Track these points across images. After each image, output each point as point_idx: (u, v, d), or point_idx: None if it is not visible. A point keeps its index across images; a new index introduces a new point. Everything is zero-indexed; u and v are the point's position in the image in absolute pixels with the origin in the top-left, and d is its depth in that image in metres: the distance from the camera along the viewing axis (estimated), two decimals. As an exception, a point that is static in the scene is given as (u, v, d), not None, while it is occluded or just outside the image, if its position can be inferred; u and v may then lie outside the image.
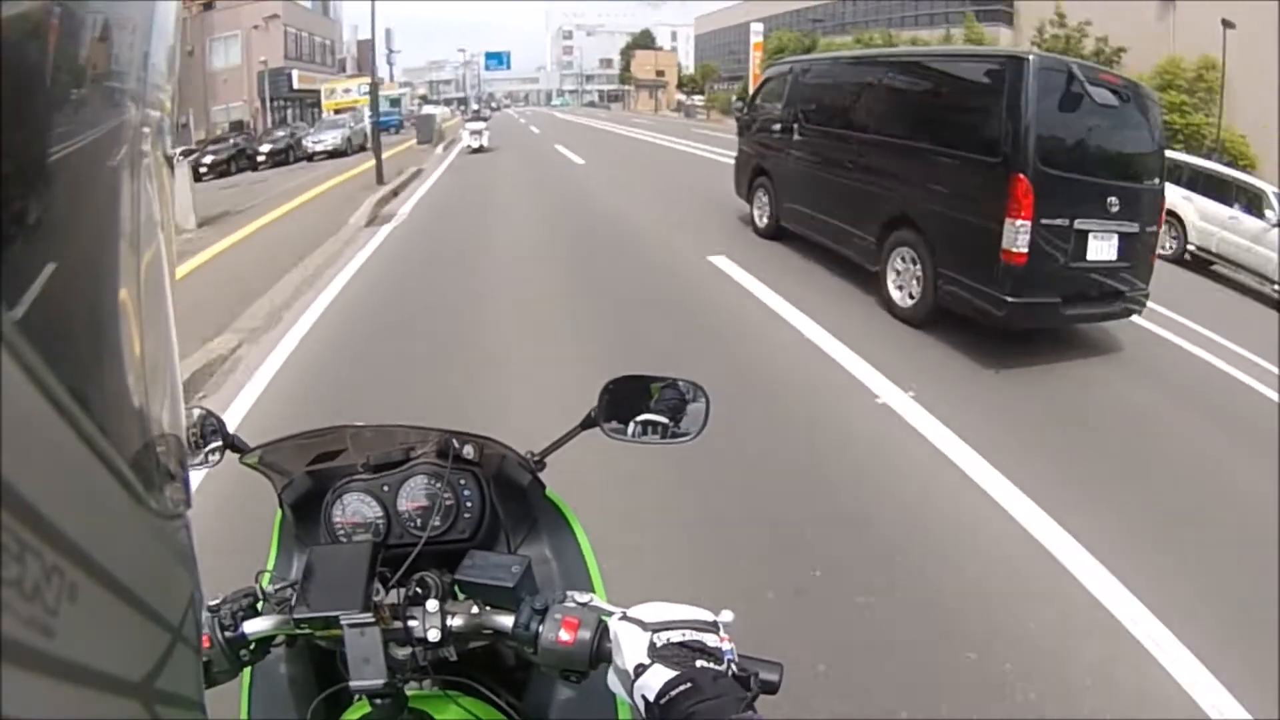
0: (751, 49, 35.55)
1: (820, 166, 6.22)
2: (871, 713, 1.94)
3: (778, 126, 6.96)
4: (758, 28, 35.85)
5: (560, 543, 1.07)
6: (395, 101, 55.38)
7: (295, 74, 31.59)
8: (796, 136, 6.62)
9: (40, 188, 0.22)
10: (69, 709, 0.22)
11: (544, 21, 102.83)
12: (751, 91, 8.87)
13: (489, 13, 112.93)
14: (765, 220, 7.36)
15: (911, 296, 5.02)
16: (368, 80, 23.71)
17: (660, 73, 61.68)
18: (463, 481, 1.00)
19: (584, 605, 0.78)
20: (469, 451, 1.00)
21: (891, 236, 5.19)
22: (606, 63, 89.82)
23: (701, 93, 56.65)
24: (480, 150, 18.60)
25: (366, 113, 23.73)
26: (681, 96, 59.88)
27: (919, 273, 4.91)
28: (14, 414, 0.20)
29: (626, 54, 69.59)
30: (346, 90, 24.08)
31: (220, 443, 0.99)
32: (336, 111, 24.02)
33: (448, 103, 67.52)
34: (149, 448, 0.30)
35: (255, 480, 1.05)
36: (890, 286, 5.19)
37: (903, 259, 5.09)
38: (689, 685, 0.63)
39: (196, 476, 0.85)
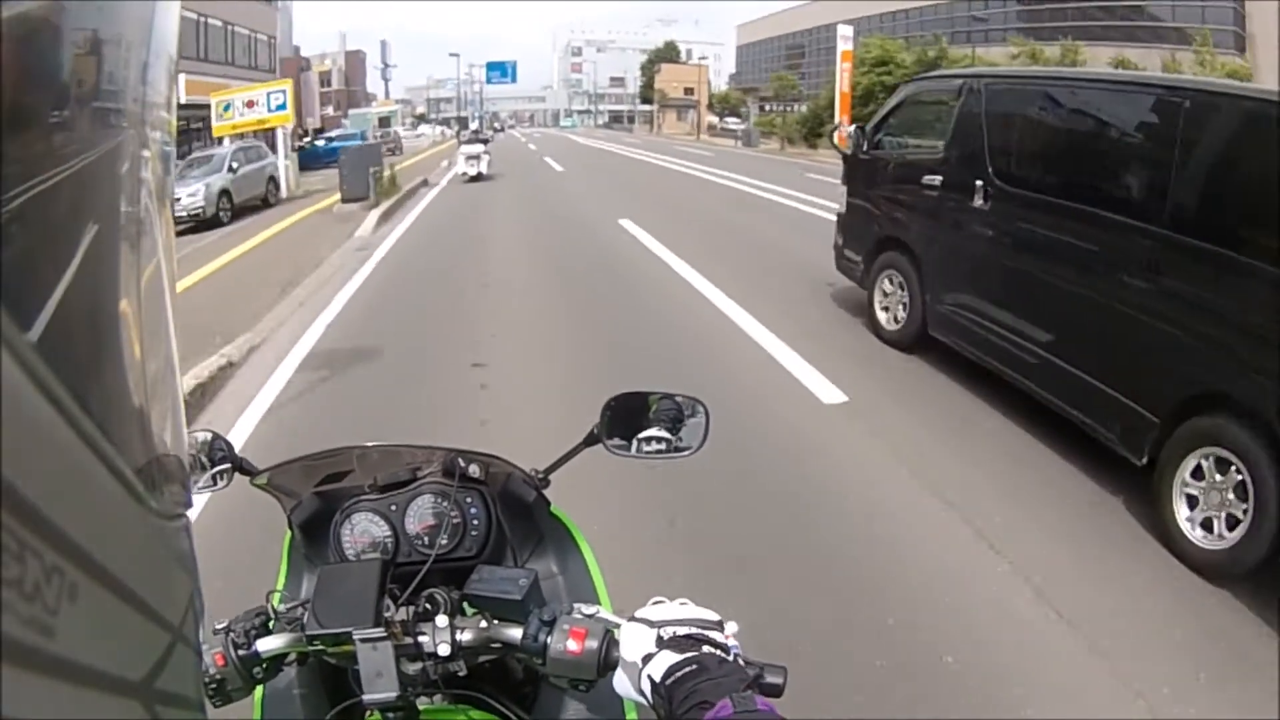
0: (839, 59, 26.31)
1: (1035, 259, 3.53)
2: None
3: (934, 180, 4.23)
4: (847, 31, 26.67)
5: (566, 558, 1.07)
6: (386, 120, 45.77)
7: (182, 80, 21.86)
8: (979, 201, 3.86)
9: (43, 195, 0.22)
10: (69, 709, 0.22)
11: (550, 39, 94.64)
12: (875, 118, 5.22)
13: (493, 29, 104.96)
14: (898, 322, 4.57)
15: (1223, 535, 2.57)
16: (284, 87, 14.33)
17: (689, 90, 52.81)
18: (469, 500, 1.01)
19: (590, 617, 0.79)
20: (475, 470, 1.01)
21: (1199, 423, 2.68)
22: (618, 81, 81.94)
23: (735, 114, 47.87)
24: (478, 179, 14.62)
25: (281, 141, 14.44)
26: (713, 118, 51.15)
27: (1250, 503, 2.48)
28: (14, 414, 0.19)
29: (648, 69, 60.62)
30: (250, 104, 14.89)
31: (228, 465, 1.00)
32: (235, 137, 14.63)
33: (444, 122, 58.90)
34: (149, 448, 0.30)
35: (261, 503, 1.05)
36: (1180, 516, 2.68)
37: (1216, 471, 2.60)
38: (695, 666, 0.65)
39: (204, 499, 0.85)
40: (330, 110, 52.72)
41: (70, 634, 0.21)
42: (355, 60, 59.86)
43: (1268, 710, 1.94)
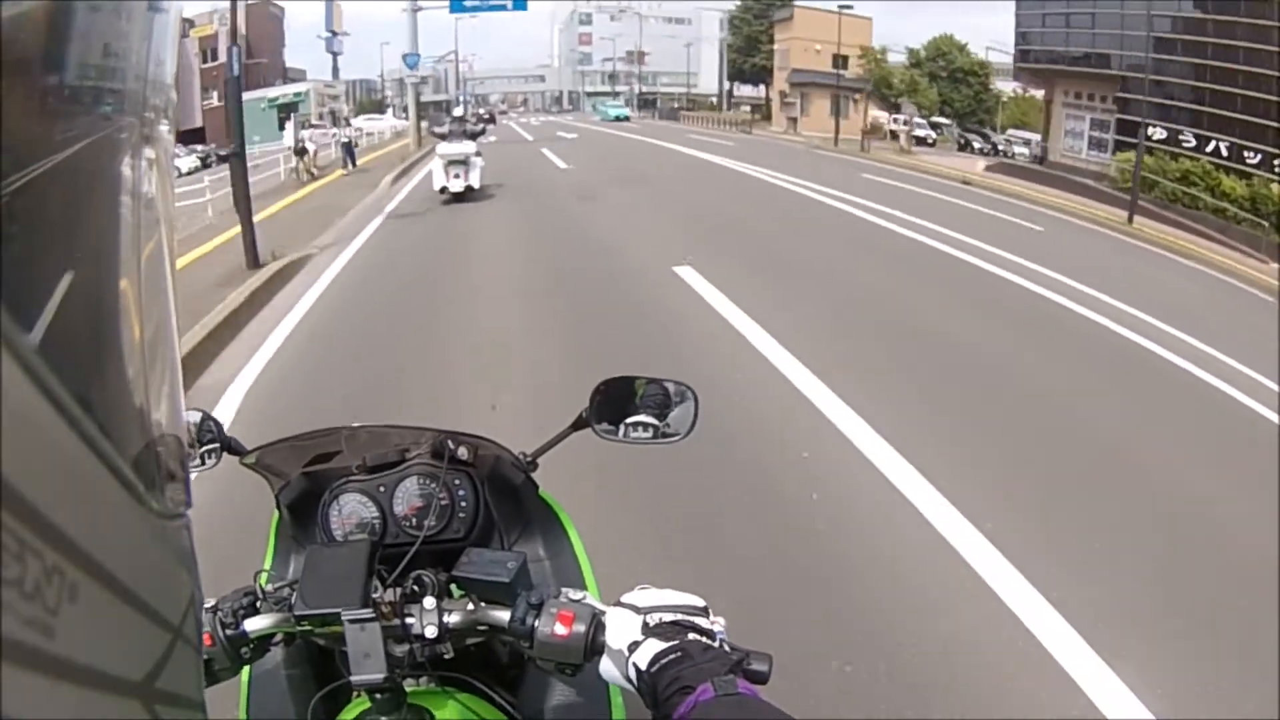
0: None
1: None
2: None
3: None
4: None
5: (554, 542, 1.07)
6: (290, 110, 25.03)
7: None
8: None
9: (41, 188, 0.22)
10: (69, 709, 0.22)
11: (549, 8, 70.32)
12: None
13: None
14: None
15: None
16: None
17: (840, 60, 30.10)
18: (457, 482, 1.01)
19: (578, 602, 0.79)
20: (463, 452, 1.01)
21: None
22: (636, 56, 58.84)
23: (892, 107, 26.21)
24: (465, 195, 9.87)
25: None
26: (882, 115, 28.73)
27: None
28: (14, 414, 0.19)
29: (746, 23, 37.71)
30: None
31: (217, 445, 1.00)
32: None
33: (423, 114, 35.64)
34: (150, 447, 0.30)
35: (249, 482, 1.06)
36: None
37: None
38: (680, 654, 0.66)
39: (192, 478, 0.66)
40: (216, 99, 29.63)
41: (70, 634, 0.21)
42: (262, 20, 34.79)
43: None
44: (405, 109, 32.18)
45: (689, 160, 17.12)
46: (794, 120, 28.80)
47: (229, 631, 0.81)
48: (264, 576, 0.90)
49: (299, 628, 0.82)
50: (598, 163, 15.93)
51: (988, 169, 20.17)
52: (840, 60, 29.28)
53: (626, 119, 36.09)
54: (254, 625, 0.82)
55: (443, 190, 9.94)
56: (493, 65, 53.82)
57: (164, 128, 0.32)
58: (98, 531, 0.24)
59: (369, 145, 21.70)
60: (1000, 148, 26.50)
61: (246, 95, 28.19)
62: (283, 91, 26.42)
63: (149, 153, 0.30)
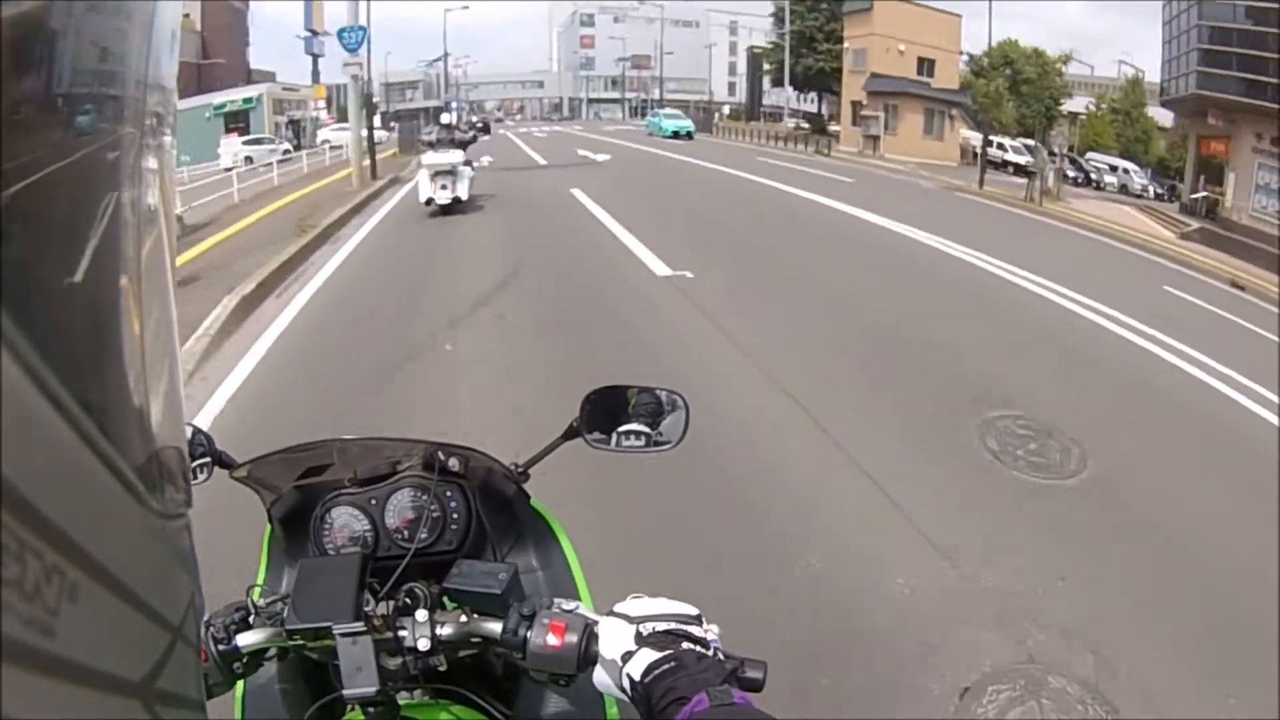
0: None
1: None
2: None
3: None
4: None
5: (546, 553, 1.07)
6: (235, 116, 22.74)
7: None
8: None
9: (42, 188, 0.22)
10: (69, 709, 0.22)
11: (548, 11, 66.44)
12: None
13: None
14: None
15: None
16: None
17: (924, 64, 24.64)
18: (449, 494, 1.01)
19: (570, 612, 0.79)
20: (454, 464, 1.01)
21: None
22: (641, 60, 54.79)
23: (980, 124, 20.75)
24: (453, 208, 8.98)
25: None
26: (967, 131, 23.50)
27: None
28: (14, 414, 0.20)
29: (800, 17, 30.52)
30: None
31: (208, 459, 1.00)
32: None
33: (403, 117, 29.34)
34: (150, 448, 0.30)
35: (242, 496, 1.04)
36: None
37: None
38: (674, 663, 0.65)
39: None
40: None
41: (70, 634, 0.21)
42: (220, 13, 28.70)
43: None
44: (394, 117, 26.26)
45: (878, 235, 9.09)
46: (873, 139, 23.08)
47: (221, 646, 0.81)
48: (256, 591, 0.91)
49: (291, 642, 0.82)
50: (716, 246, 7.73)
51: (1183, 236, 14.54)
52: (927, 65, 23.84)
53: (690, 135, 26.42)
54: (246, 640, 0.82)
55: (429, 203, 9.01)
56: (488, 70, 50.25)
57: (166, 137, 0.32)
58: (98, 531, 0.24)
59: (317, 167, 15.69)
60: (1092, 176, 21.64)
61: (188, 101, 19.14)
62: (230, 97, 20.43)
63: (149, 160, 0.30)
